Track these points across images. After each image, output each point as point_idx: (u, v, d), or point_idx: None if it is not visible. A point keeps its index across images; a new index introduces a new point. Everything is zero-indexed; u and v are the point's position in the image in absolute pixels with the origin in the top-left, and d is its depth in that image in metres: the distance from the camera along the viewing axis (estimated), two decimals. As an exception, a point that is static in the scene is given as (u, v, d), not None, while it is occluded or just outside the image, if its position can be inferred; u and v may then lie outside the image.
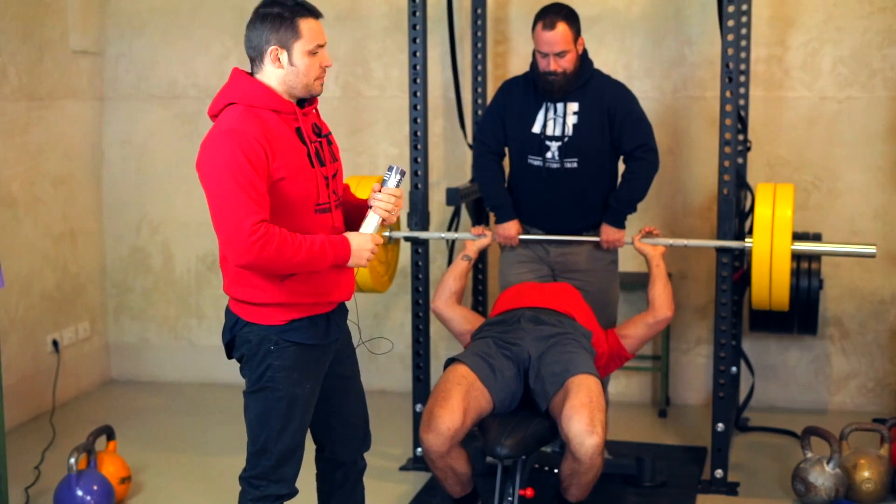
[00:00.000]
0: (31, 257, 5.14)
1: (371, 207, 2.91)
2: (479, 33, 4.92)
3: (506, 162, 4.36)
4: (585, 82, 4.10)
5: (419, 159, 4.32)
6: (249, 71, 2.89)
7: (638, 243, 4.13)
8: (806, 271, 4.54)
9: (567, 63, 4.01)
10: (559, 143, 4.11)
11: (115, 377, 5.80)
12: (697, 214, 5.15)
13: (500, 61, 5.22)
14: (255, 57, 2.85)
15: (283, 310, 2.85)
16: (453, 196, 4.44)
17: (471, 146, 4.89)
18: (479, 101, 4.94)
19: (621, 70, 5.02)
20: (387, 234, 4.27)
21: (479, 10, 4.91)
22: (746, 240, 4.08)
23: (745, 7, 4.55)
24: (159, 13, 5.55)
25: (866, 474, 3.97)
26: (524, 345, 3.72)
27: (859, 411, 5.04)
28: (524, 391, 3.69)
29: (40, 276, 5.21)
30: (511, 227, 4.23)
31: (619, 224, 4.17)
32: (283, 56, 2.81)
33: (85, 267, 5.57)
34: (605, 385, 4.26)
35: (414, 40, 4.28)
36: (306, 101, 2.90)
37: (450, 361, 3.71)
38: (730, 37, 4.01)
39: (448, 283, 4.15)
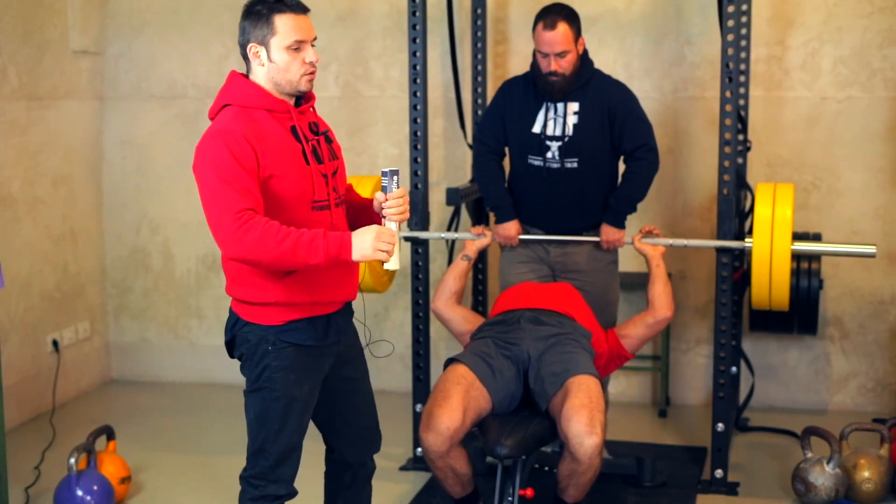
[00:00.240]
0: (30, 257, 5.14)
1: (384, 217, 2.83)
2: (479, 33, 4.92)
3: (506, 162, 4.36)
4: (586, 82, 4.10)
5: (419, 159, 4.32)
6: (245, 72, 2.90)
7: (638, 243, 4.13)
8: (806, 271, 4.54)
9: (567, 63, 4.01)
10: (559, 143, 4.11)
11: (115, 377, 5.80)
12: (697, 214, 5.15)
13: (500, 61, 5.22)
14: (243, 56, 2.88)
15: (282, 310, 2.84)
16: (453, 196, 4.44)
17: (471, 146, 4.89)
18: (479, 101, 4.95)
19: (621, 70, 5.02)
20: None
21: (479, 10, 4.91)
22: (746, 240, 4.08)
23: (745, 7, 4.55)
24: (159, 13, 5.56)
25: (866, 474, 3.97)
26: (524, 345, 3.72)
27: (859, 411, 5.04)
28: (524, 391, 3.69)
29: (40, 276, 5.21)
30: (511, 227, 4.23)
31: (619, 224, 4.17)
32: (262, 53, 2.82)
33: (85, 267, 5.57)
34: (605, 385, 4.26)
35: (414, 40, 4.28)
36: (302, 100, 2.90)
37: (449, 361, 3.71)
38: (730, 37, 4.01)
39: (448, 283, 4.15)
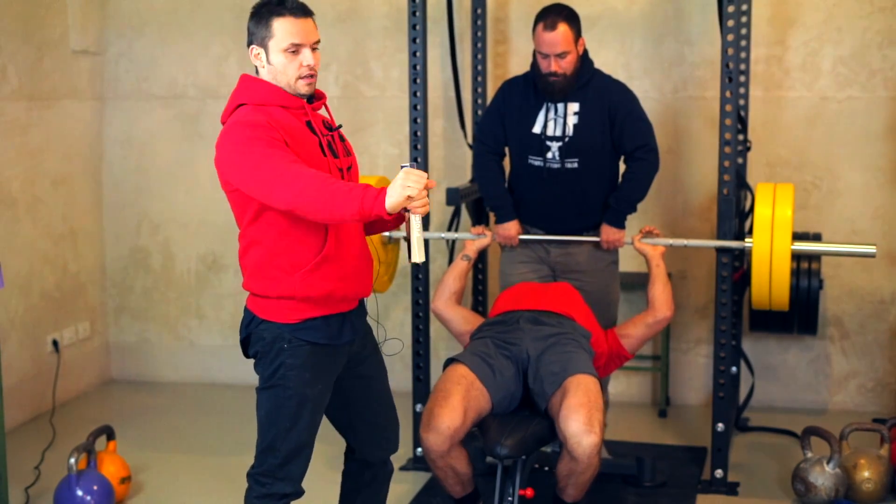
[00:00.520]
0: (31, 257, 5.14)
1: (407, 211, 2.75)
2: (479, 33, 4.92)
3: (506, 162, 4.36)
4: (586, 82, 4.10)
5: (419, 159, 4.32)
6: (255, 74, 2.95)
7: (638, 243, 4.13)
8: (806, 271, 4.54)
9: (568, 64, 4.01)
10: (560, 144, 4.10)
11: (115, 377, 5.80)
12: (697, 214, 5.15)
13: (500, 61, 5.22)
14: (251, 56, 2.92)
15: (298, 306, 2.86)
16: (453, 196, 4.44)
17: (471, 146, 4.89)
18: (479, 101, 4.94)
19: (621, 70, 5.02)
20: (386, 234, 4.27)
21: (479, 10, 4.91)
22: (746, 240, 4.08)
23: (745, 7, 4.54)
24: (159, 13, 5.56)
25: (866, 474, 3.97)
26: (523, 345, 3.72)
27: (859, 411, 5.04)
28: (523, 391, 3.69)
29: (40, 276, 5.21)
30: (511, 227, 4.23)
31: (619, 224, 4.17)
32: (262, 55, 2.87)
33: (85, 267, 5.57)
34: (605, 385, 4.26)
35: (414, 40, 4.28)
36: (314, 98, 2.95)
37: (449, 361, 3.71)
38: (730, 37, 4.01)
39: (448, 284, 4.15)
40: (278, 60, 2.84)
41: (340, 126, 3.01)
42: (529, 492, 3.69)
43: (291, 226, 2.83)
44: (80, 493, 3.87)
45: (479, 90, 4.96)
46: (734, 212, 4.09)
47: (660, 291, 4.05)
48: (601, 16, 5.10)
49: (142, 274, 5.73)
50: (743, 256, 4.59)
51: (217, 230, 5.62)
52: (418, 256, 2.78)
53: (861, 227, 5.00)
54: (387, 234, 4.28)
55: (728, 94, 4.02)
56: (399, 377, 5.25)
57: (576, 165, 4.11)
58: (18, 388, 4.96)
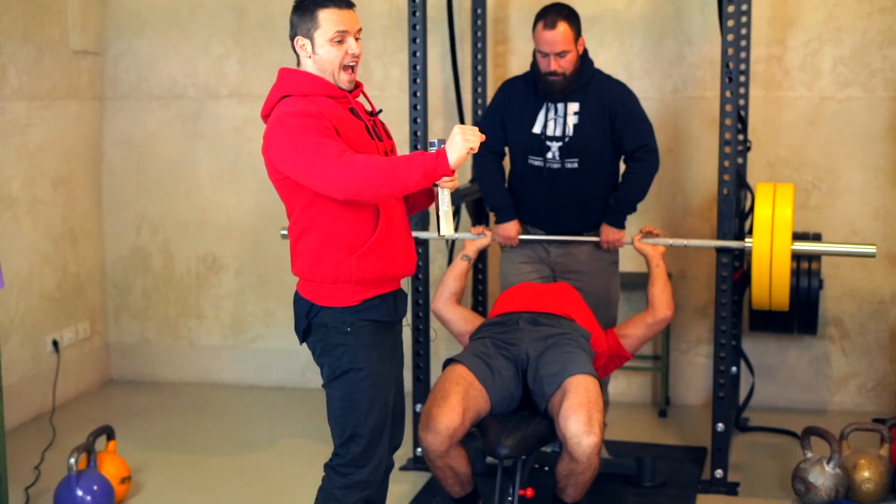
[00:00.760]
0: (31, 257, 5.14)
1: (437, 186, 2.89)
2: (479, 33, 4.92)
3: (506, 162, 4.36)
4: (586, 82, 4.10)
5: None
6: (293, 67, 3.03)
7: (638, 243, 4.13)
8: (806, 271, 4.54)
9: (567, 63, 4.01)
10: (560, 144, 4.10)
11: (115, 377, 5.80)
12: (697, 214, 5.15)
13: (500, 61, 5.22)
14: (294, 49, 3.00)
15: (356, 288, 2.92)
16: (453, 196, 4.43)
17: (471, 146, 4.88)
18: (479, 101, 4.95)
19: (621, 70, 5.02)
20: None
21: (479, 10, 4.91)
22: (746, 240, 4.08)
23: (745, 7, 4.55)
24: (159, 13, 5.56)
25: (866, 474, 3.97)
26: (522, 345, 3.72)
27: (859, 411, 5.04)
28: (523, 392, 3.69)
29: (40, 276, 5.21)
30: (511, 228, 4.23)
31: (619, 224, 4.17)
32: (308, 46, 2.95)
33: (85, 267, 5.57)
34: (605, 385, 4.26)
35: (414, 40, 4.28)
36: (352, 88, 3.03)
37: (448, 362, 3.71)
38: (730, 37, 4.01)
39: (448, 284, 4.15)
40: (324, 50, 2.93)
41: (381, 111, 3.11)
42: (529, 492, 3.69)
43: (344, 209, 2.89)
44: (80, 493, 3.87)
45: (479, 90, 4.96)
46: (734, 212, 4.09)
47: (660, 291, 4.05)
48: (601, 16, 5.10)
49: (142, 274, 5.73)
50: (743, 256, 4.59)
51: (217, 230, 5.62)
52: (447, 229, 2.90)
53: (861, 227, 5.00)
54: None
55: (728, 94, 4.02)
56: (399, 377, 5.26)
57: (576, 165, 4.11)
58: (18, 388, 4.96)
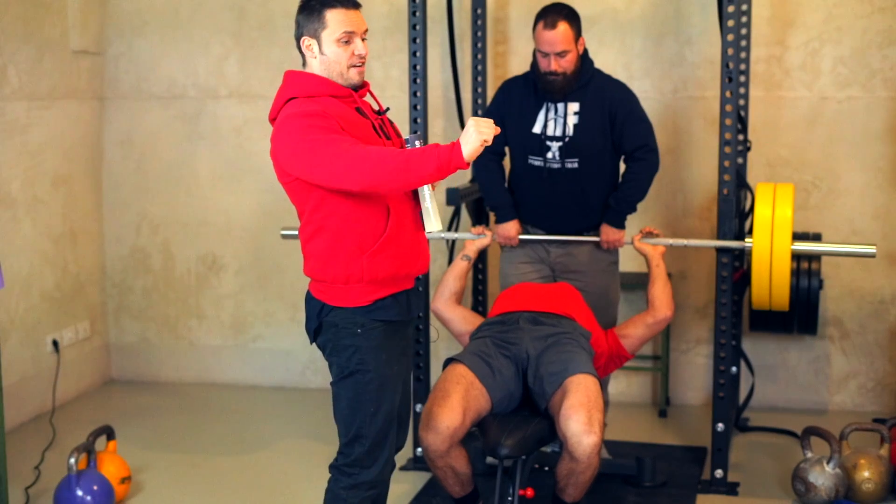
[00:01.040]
0: (30, 257, 5.14)
1: None
2: (479, 33, 4.92)
3: (506, 162, 4.36)
4: (586, 82, 4.10)
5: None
6: (298, 68, 3.03)
7: (638, 243, 4.13)
8: (806, 271, 4.54)
9: (568, 63, 4.01)
10: (560, 144, 4.10)
11: (115, 377, 5.80)
12: (697, 214, 5.15)
13: (500, 61, 5.22)
14: (299, 49, 3.00)
15: (368, 288, 2.92)
16: (453, 196, 4.44)
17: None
18: (479, 101, 4.94)
19: (621, 70, 5.02)
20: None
21: (479, 10, 4.91)
22: (746, 240, 4.08)
23: (745, 7, 4.55)
24: (159, 13, 5.56)
25: (866, 474, 3.97)
26: (523, 345, 3.72)
27: (859, 411, 5.04)
28: (523, 391, 3.69)
29: (40, 276, 5.21)
30: (511, 228, 4.23)
31: (619, 224, 4.17)
32: (315, 46, 2.95)
33: (85, 267, 5.57)
34: (605, 385, 4.26)
35: (414, 40, 4.28)
36: (359, 86, 3.02)
37: (448, 361, 3.71)
38: (730, 37, 4.01)
39: (448, 284, 4.15)
40: (331, 50, 2.93)
41: (388, 109, 3.10)
42: (529, 492, 3.69)
43: (355, 209, 2.89)
44: (80, 493, 3.87)
45: (479, 90, 4.96)
46: (734, 212, 4.09)
47: (660, 291, 4.05)
48: (601, 16, 5.10)
49: (142, 274, 5.73)
50: (743, 256, 4.59)
51: (217, 230, 5.62)
52: (432, 225, 2.92)
53: (861, 227, 5.00)
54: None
55: (728, 94, 4.02)
56: (399, 377, 5.26)
57: (576, 165, 4.11)
58: (18, 388, 4.96)
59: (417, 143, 2.92)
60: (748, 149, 4.83)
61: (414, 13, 4.27)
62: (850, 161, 4.99)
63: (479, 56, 4.94)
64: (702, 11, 5.01)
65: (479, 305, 4.97)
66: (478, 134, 2.74)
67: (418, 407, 4.34)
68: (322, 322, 2.98)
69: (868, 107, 4.95)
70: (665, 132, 5.01)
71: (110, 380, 5.78)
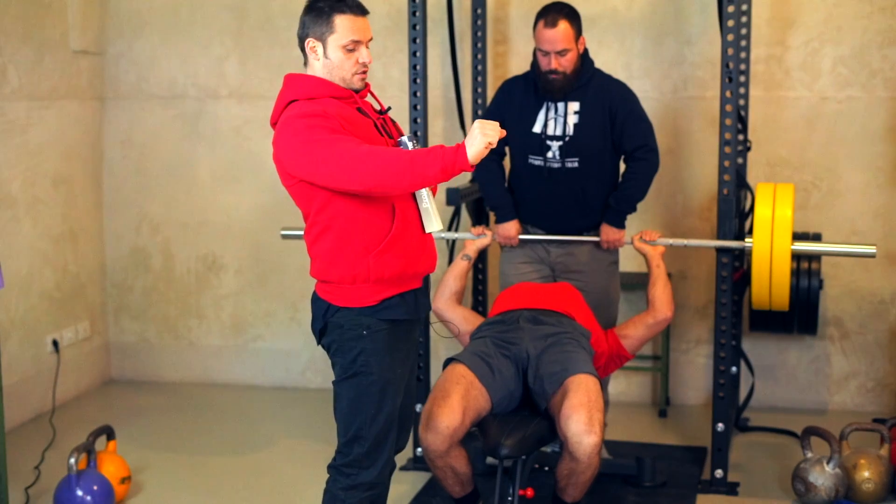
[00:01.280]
0: (30, 257, 5.14)
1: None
2: (479, 33, 4.92)
3: (506, 162, 4.36)
4: (586, 82, 4.10)
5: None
6: (298, 71, 3.03)
7: (638, 243, 4.13)
8: (806, 271, 4.54)
9: (568, 62, 4.01)
10: (560, 143, 4.11)
11: (115, 377, 5.80)
12: (697, 214, 5.15)
13: (500, 61, 5.22)
14: (301, 49, 2.99)
15: (375, 287, 2.92)
16: (453, 196, 4.44)
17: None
18: (479, 101, 4.94)
19: (621, 70, 5.02)
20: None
21: (479, 10, 4.91)
22: (746, 240, 4.08)
23: (745, 7, 4.55)
24: (159, 13, 5.56)
25: (866, 474, 3.97)
26: (523, 344, 3.72)
27: (859, 411, 5.04)
28: (523, 391, 3.69)
29: (40, 276, 5.21)
30: (511, 227, 4.23)
31: (619, 224, 4.17)
32: (319, 49, 2.94)
33: (85, 267, 5.57)
34: (605, 385, 4.26)
35: (414, 40, 4.28)
36: (360, 89, 3.02)
37: (448, 361, 3.71)
38: (730, 37, 4.01)
39: (448, 283, 4.15)
40: (336, 56, 2.92)
41: (389, 108, 3.09)
42: (529, 492, 3.69)
43: (360, 209, 2.89)
44: (80, 493, 3.87)
45: (479, 90, 4.96)
46: (734, 212, 4.09)
47: (660, 292, 4.05)
48: (601, 16, 5.10)
49: (142, 274, 5.73)
50: (743, 256, 4.59)
51: (217, 230, 5.62)
52: (431, 226, 2.92)
53: (861, 227, 5.00)
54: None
55: (728, 94, 4.02)
56: (399, 377, 5.26)
57: (576, 165, 4.11)
58: (18, 388, 4.96)
59: (410, 145, 2.93)
60: (748, 149, 4.83)
61: (414, 13, 4.27)
62: (850, 161, 4.99)
63: (479, 56, 4.94)
64: (702, 11, 5.02)
65: (479, 305, 4.97)
66: (483, 136, 2.73)
67: (418, 407, 4.33)
68: (327, 322, 2.98)
69: (868, 107, 4.95)
70: (665, 132, 5.01)
71: (110, 380, 5.78)
